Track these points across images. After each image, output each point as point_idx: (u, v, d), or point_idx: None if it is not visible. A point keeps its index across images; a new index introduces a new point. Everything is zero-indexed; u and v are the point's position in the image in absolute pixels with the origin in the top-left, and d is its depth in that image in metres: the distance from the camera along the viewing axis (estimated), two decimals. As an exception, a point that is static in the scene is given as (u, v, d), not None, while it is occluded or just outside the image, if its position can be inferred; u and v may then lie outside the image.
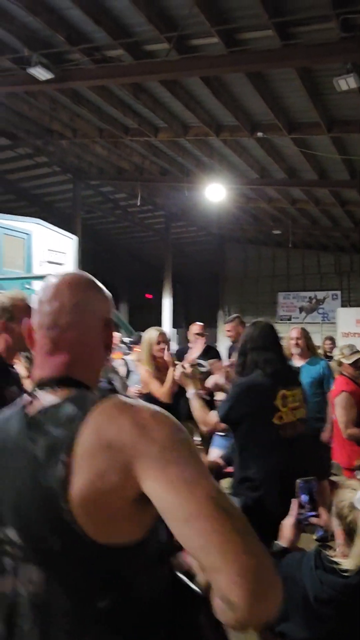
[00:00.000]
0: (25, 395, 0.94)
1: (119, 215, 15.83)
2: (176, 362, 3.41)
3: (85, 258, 11.40)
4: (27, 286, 8.17)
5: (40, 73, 6.86)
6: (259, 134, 8.57)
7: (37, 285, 7.91)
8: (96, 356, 0.98)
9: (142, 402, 0.86)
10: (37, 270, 8.47)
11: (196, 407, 2.69)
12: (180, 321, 19.13)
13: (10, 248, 8.23)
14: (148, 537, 0.83)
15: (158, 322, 14.07)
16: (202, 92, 7.73)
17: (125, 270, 21.14)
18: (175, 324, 17.03)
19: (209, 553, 0.70)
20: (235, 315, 5.26)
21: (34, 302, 1.00)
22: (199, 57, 6.46)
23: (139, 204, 12.69)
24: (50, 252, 8.95)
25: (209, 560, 0.71)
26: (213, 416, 2.58)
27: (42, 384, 0.91)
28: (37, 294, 0.99)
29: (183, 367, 2.80)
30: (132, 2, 5.60)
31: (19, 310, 2.20)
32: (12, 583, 0.85)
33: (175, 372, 2.90)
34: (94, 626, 0.80)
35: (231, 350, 5.24)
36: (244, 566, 0.69)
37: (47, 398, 0.88)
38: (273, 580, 0.72)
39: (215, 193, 11.40)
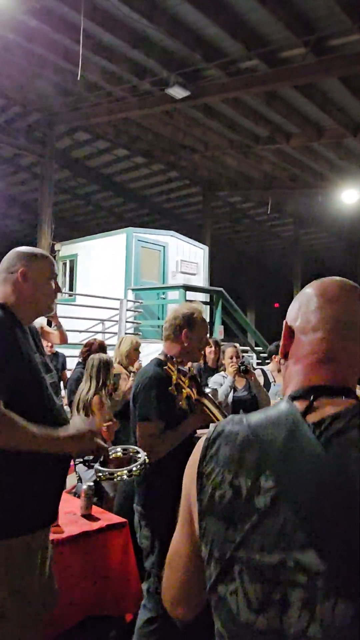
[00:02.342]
0: (293, 401, 0.83)
1: (246, 224, 15.86)
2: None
3: (215, 268, 11.59)
4: (162, 296, 8.54)
5: (177, 92, 7.17)
6: None
7: (172, 295, 8.22)
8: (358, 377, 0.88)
9: None
10: (171, 281, 8.81)
11: None
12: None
13: (147, 260, 8.68)
14: None
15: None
16: (339, 93, 7.44)
17: (253, 278, 21.07)
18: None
19: None
20: None
21: (297, 301, 0.93)
22: (338, 56, 6.22)
23: (269, 212, 12.58)
24: (183, 262, 9.25)
25: None
26: None
27: (318, 391, 0.82)
28: (313, 301, 0.89)
29: None
30: (270, 12, 5.60)
31: (200, 322, 2.27)
32: (302, 621, 0.68)
33: None
34: None
35: None
36: None
37: (330, 406, 0.79)
38: None
39: (350, 196, 10.85)
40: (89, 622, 2.31)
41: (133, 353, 4.38)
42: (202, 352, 2.63)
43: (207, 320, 8.39)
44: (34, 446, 1.43)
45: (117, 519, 2.53)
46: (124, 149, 10.76)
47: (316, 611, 0.67)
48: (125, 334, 7.35)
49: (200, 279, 9.63)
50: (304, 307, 0.90)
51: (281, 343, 0.92)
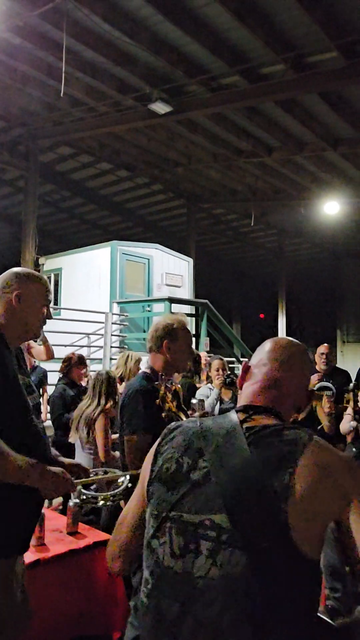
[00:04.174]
0: (237, 412, 1.11)
1: (230, 236, 15.99)
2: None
3: (200, 279, 11.64)
4: (148, 309, 8.55)
5: (160, 107, 7.25)
6: (381, 144, 8.17)
7: (157, 307, 8.24)
8: (291, 407, 1.17)
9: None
10: (156, 294, 8.83)
11: None
12: (294, 341, 18.56)
13: (132, 273, 8.70)
14: (318, 561, 0.95)
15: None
16: (319, 108, 7.60)
17: (238, 290, 21.19)
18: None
19: None
20: None
21: (258, 350, 1.24)
22: (316, 73, 6.37)
23: (252, 224, 12.72)
24: (168, 275, 9.28)
25: None
26: None
27: (256, 409, 1.11)
28: (267, 346, 1.23)
29: None
30: (250, 30, 5.72)
31: (182, 333, 2.25)
32: (206, 565, 0.94)
33: None
34: (280, 626, 0.89)
35: None
36: None
37: (263, 420, 1.08)
38: None
39: (332, 208, 11.05)
40: (76, 643, 2.28)
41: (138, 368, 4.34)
42: (189, 362, 2.64)
43: (193, 332, 8.43)
44: (18, 478, 1.42)
45: (104, 536, 2.51)
46: (107, 162, 10.82)
47: (217, 558, 0.93)
48: (111, 347, 7.33)
49: (185, 291, 9.66)
50: (260, 351, 1.22)
51: (239, 376, 1.23)
